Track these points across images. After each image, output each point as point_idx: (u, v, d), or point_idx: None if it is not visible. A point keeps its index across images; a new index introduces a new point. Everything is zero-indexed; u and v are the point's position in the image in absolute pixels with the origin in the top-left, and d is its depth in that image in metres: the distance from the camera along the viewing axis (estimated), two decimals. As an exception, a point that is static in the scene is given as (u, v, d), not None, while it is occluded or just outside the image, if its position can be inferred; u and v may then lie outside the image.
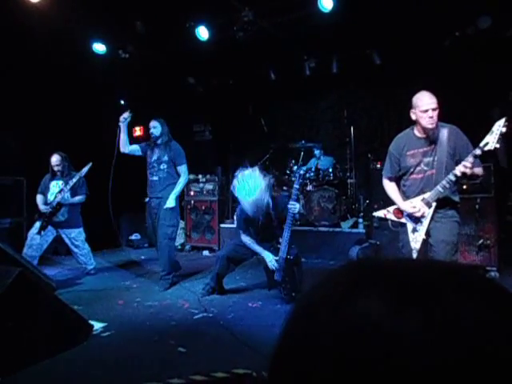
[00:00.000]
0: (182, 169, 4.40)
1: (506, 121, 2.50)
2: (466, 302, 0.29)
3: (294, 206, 3.57)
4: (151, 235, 4.60)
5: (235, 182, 3.55)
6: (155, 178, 4.37)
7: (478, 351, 0.26)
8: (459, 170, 2.56)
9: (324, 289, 0.34)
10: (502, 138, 2.49)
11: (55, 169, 4.89)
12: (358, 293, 0.30)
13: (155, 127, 4.38)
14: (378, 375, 0.26)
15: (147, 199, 4.51)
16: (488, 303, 0.29)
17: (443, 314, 0.28)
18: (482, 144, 2.53)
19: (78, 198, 4.90)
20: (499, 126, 2.50)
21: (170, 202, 4.25)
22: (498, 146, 2.49)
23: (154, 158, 4.40)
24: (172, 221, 4.31)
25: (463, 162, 2.56)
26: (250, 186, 3.43)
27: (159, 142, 4.38)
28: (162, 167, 4.35)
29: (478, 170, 2.64)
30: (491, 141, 2.49)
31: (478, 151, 2.53)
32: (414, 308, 0.28)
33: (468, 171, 2.53)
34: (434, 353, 0.26)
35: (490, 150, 2.52)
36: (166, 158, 4.35)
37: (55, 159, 4.87)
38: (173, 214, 4.31)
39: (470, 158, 2.53)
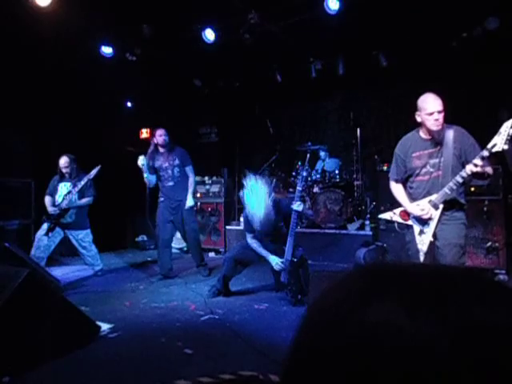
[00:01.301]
0: (191, 169, 4.85)
1: None
2: (479, 304, 0.29)
3: (298, 205, 3.59)
4: (161, 233, 4.82)
5: (244, 194, 3.63)
6: (171, 184, 4.75)
7: (494, 353, 0.26)
8: (469, 169, 2.51)
9: (337, 294, 0.34)
10: (511, 139, 2.46)
11: (63, 171, 4.93)
12: (373, 298, 0.30)
13: (166, 135, 4.76)
14: (395, 380, 0.26)
15: (162, 199, 4.82)
16: (501, 306, 0.29)
17: (458, 317, 0.28)
18: (489, 145, 2.49)
19: (85, 200, 4.93)
20: (507, 128, 2.46)
21: (190, 202, 4.76)
22: (506, 147, 2.45)
23: (165, 164, 4.74)
24: (194, 217, 5.05)
25: (473, 161, 2.51)
26: (257, 200, 3.49)
27: (168, 148, 4.76)
28: (175, 172, 4.74)
29: (489, 169, 2.59)
30: (499, 142, 2.46)
31: (485, 153, 2.49)
32: (428, 312, 0.28)
33: (479, 169, 2.48)
34: (450, 355, 0.26)
35: (498, 152, 2.48)
36: (177, 161, 4.75)
37: (63, 161, 4.91)
38: (193, 211, 4.96)
39: (478, 160, 2.50)
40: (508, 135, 2.45)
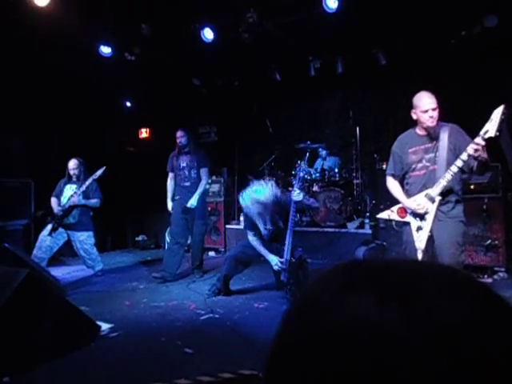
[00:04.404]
0: (205, 171, 4.89)
1: (504, 108, 2.51)
2: (451, 303, 0.29)
3: (298, 194, 3.59)
4: (172, 230, 4.94)
5: (243, 195, 3.68)
6: (187, 184, 4.83)
7: (459, 349, 0.27)
8: (471, 148, 2.51)
9: (316, 291, 0.35)
10: (501, 125, 2.48)
11: (71, 173, 4.95)
12: (348, 294, 0.31)
13: (183, 137, 4.82)
14: (368, 375, 0.27)
15: (177, 197, 4.88)
16: (474, 304, 0.30)
17: (427, 313, 0.28)
18: (482, 132, 2.53)
19: (93, 201, 4.94)
20: (498, 114, 2.51)
21: (193, 201, 4.71)
22: (497, 133, 2.48)
23: (183, 164, 4.84)
24: (205, 220, 5.00)
25: (474, 141, 2.51)
26: (256, 192, 3.57)
27: (187, 149, 4.84)
28: (192, 173, 4.83)
29: (485, 155, 2.59)
30: (491, 128, 2.49)
31: (479, 139, 2.52)
32: (398, 307, 0.29)
33: (480, 147, 2.48)
34: (417, 350, 0.27)
35: (491, 138, 2.50)
36: (195, 163, 4.83)
37: (72, 164, 4.94)
38: (205, 214, 5.04)
39: (473, 145, 2.52)
40: (500, 121, 2.48)
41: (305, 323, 0.32)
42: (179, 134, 4.83)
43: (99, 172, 4.76)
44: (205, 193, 5.01)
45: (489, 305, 0.30)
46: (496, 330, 0.28)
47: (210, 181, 5.05)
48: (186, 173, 4.83)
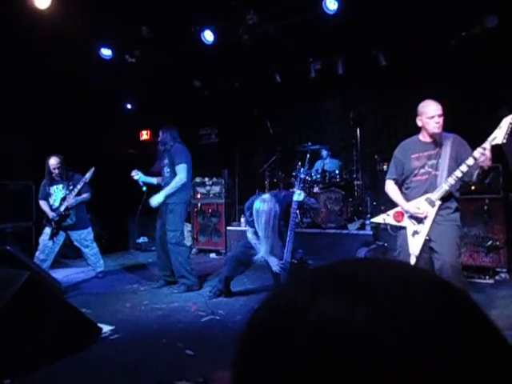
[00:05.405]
0: (178, 168, 4.26)
1: None
2: (411, 298, 0.31)
3: (299, 194, 3.59)
4: (157, 236, 4.57)
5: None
6: (163, 184, 4.45)
7: (419, 345, 0.28)
8: (478, 152, 2.55)
9: (288, 292, 0.36)
10: (511, 133, 2.52)
11: (55, 172, 4.80)
12: (318, 297, 0.32)
13: (160, 135, 4.48)
14: (343, 373, 0.27)
15: None
16: (432, 301, 0.31)
17: (392, 312, 0.29)
18: (490, 138, 2.56)
19: (84, 196, 4.90)
20: (507, 122, 2.54)
21: (154, 199, 4.24)
22: (505, 141, 2.52)
23: (161, 164, 4.49)
24: (173, 226, 4.28)
25: (481, 146, 2.56)
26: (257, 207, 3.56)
27: (163, 148, 4.42)
28: (165, 172, 4.41)
29: (488, 162, 2.62)
30: (499, 135, 2.53)
31: (486, 144, 2.56)
32: (366, 308, 0.30)
33: (486, 152, 2.53)
34: (381, 347, 0.27)
35: (497, 150, 2.55)
36: (166, 161, 4.38)
37: (55, 162, 4.79)
38: (175, 220, 4.29)
39: (480, 149, 2.56)
40: (508, 129, 2.52)
41: (277, 324, 0.33)
42: (159, 133, 4.51)
43: (89, 174, 4.73)
44: (183, 195, 4.35)
45: (448, 305, 0.31)
46: (455, 328, 0.29)
47: (185, 180, 4.30)
48: (163, 172, 4.44)
